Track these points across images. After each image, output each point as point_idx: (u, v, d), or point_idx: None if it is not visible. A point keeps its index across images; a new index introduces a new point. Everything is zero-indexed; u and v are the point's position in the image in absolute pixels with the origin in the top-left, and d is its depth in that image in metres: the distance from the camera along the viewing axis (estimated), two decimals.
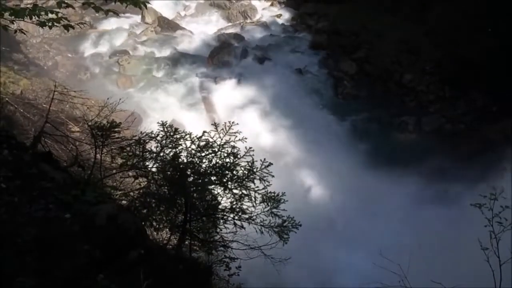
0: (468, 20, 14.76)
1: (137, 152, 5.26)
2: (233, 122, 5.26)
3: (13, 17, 4.37)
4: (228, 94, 15.82)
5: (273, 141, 13.89)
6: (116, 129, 5.32)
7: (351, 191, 11.96)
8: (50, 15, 4.52)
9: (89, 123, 5.93)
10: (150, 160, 5.25)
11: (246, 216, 5.22)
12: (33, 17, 4.38)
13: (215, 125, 5.25)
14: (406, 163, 12.60)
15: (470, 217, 4.70)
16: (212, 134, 5.22)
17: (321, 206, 11.66)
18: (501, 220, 3.99)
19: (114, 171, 5.83)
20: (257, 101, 15.59)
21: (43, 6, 4.58)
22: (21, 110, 8.96)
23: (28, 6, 4.34)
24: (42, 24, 4.53)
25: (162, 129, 5.29)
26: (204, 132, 5.25)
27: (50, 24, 4.56)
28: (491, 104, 14.39)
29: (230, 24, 21.06)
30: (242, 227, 5.30)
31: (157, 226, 5.21)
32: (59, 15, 4.52)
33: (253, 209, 5.20)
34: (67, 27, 4.59)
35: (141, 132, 5.57)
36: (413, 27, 17.08)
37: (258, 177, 5.11)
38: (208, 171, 5.11)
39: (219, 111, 15.20)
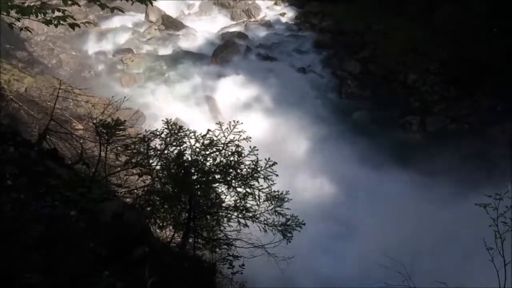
0: (474, 20, 14.70)
1: (142, 150, 5.28)
2: (237, 121, 5.27)
3: (19, 15, 4.37)
4: (232, 92, 15.82)
5: (276, 140, 13.87)
6: (121, 127, 5.34)
7: (354, 190, 11.93)
8: (56, 13, 4.53)
9: (94, 121, 5.95)
10: (155, 158, 5.27)
11: (250, 214, 5.24)
12: (39, 15, 4.39)
13: (220, 124, 5.26)
14: (410, 162, 12.57)
15: (474, 217, 4.69)
16: (217, 132, 5.24)
17: (323, 204, 11.62)
18: (506, 220, 3.99)
19: (118, 168, 5.86)
20: (261, 99, 15.58)
21: (47, 3, 4.60)
22: (26, 108, 8.98)
23: (34, 3, 4.36)
24: (48, 22, 4.54)
25: (166, 127, 5.30)
26: (209, 130, 5.27)
27: (56, 22, 4.58)
28: (496, 104, 14.34)
29: (233, 22, 21.07)
30: (246, 225, 5.31)
31: (161, 223, 5.24)
32: (65, 13, 4.53)
33: (257, 207, 5.22)
34: (72, 25, 4.60)
35: (145, 130, 5.60)
36: (418, 27, 17.01)
37: (262, 176, 5.12)
38: (212, 169, 5.12)
39: (223, 109, 15.20)
